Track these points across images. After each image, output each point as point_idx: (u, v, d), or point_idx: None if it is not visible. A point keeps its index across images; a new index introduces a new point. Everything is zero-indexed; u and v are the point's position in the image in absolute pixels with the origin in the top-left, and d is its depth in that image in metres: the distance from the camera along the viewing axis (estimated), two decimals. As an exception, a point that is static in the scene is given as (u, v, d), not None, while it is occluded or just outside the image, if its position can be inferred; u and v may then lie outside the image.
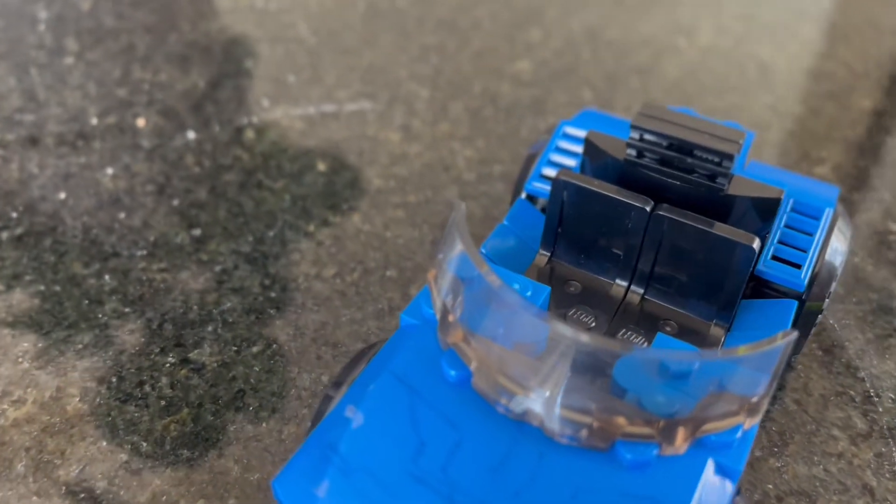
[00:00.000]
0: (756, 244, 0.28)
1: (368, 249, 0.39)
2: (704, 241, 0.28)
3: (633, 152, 0.30)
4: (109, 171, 0.42)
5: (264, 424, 0.31)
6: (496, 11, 0.57)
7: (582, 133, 0.35)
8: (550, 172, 0.34)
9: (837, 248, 0.31)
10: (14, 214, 0.40)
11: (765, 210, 0.29)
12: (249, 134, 0.45)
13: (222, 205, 0.40)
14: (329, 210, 0.41)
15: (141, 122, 0.45)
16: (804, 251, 0.31)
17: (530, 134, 0.46)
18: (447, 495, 0.22)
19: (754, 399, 0.23)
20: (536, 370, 0.24)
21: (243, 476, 0.29)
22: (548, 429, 0.23)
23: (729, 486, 0.23)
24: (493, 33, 0.55)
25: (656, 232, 0.29)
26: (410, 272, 0.38)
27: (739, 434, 0.24)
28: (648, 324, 0.30)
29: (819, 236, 0.31)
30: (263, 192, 0.41)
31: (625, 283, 0.31)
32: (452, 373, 0.24)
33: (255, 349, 0.34)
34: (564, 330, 0.22)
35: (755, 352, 0.23)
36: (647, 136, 0.29)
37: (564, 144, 0.35)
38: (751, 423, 0.24)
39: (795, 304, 0.30)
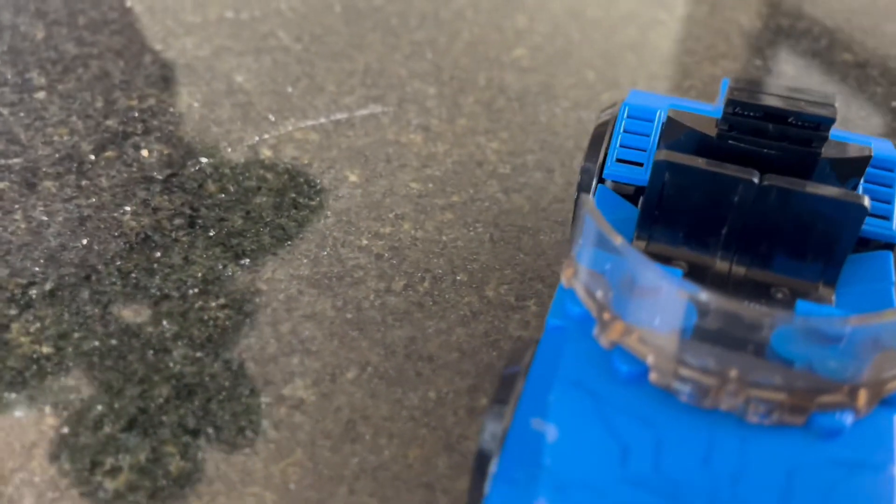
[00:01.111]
0: (867, 202, 0.28)
1: (430, 256, 0.37)
2: (813, 205, 0.29)
3: (724, 126, 0.30)
4: (128, 208, 0.39)
5: (386, 452, 0.30)
6: (473, 4, 0.56)
7: (637, 113, 0.35)
8: (624, 155, 0.34)
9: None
10: (37, 269, 0.36)
11: (855, 169, 0.30)
12: (266, 151, 0.43)
13: (263, 230, 0.38)
14: (376, 221, 0.39)
15: (145, 153, 0.42)
16: (888, 203, 0.32)
17: (550, 120, 0.46)
18: (670, 495, 0.22)
19: None
20: (715, 353, 0.24)
21: (385, 509, 0.28)
22: (740, 411, 0.23)
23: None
24: (479, 22, 0.54)
25: (762, 202, 0.29)
26: (480, 273, 0.37)
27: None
28: (759, 293, 0.30)
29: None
30: (301, 210, 0.39)
31: (729, 258, 0.31)
32: (626, 369, 0.24)
33: (349, 375, 0.32)
34: (744, 308, 0.22)
35: None
36: (742, 110, 0.29)
37: (628, 125, 0.35)
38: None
39: (891, 254, 0.31)
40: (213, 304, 0.35)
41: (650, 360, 0.24)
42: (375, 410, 0.31)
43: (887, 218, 0.31)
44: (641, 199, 0.31)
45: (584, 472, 0.22)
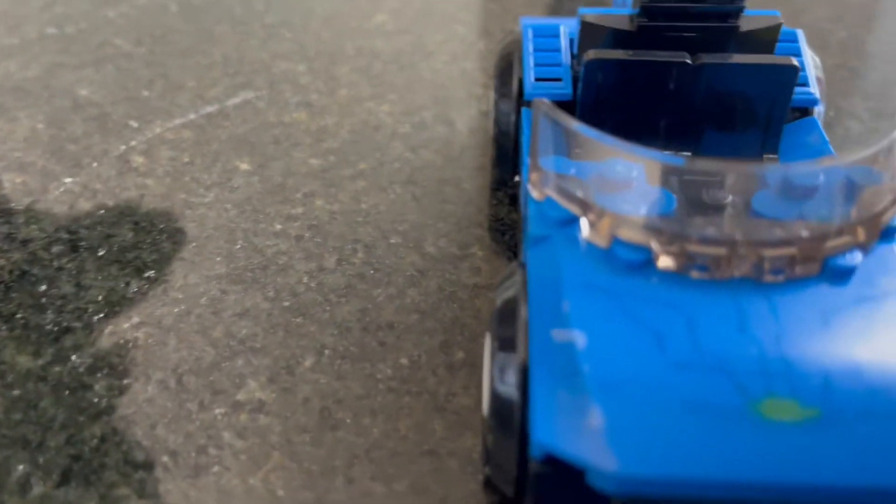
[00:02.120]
0: (796, 62, 0.28)
1: (354, 226, 0.34)
2: (747, 75, 0.29)
3: (643, 18, 0.29)
4: (-10, 247, 0.33)
5: (374, 430, 0.27)
6: (314, -20, 0.54)
7: (541, 32, 0.34)
8: (542, 74, 0.32)
9: (817, 60, 0.33)
10: None
11: (770, 38, 0.30)
12: (138, 158, 0.38)
13: (160, 237, 0.34)
14: (283, 204, 0.35)
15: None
16: (801, 69, 0.32)
17: (434, 76, 0.44)
18: (721, 368, 0.20)
19: None
20: (714, 223, 0.23)
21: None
22: (756, 274, 0.22)
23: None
24: (327, -1, 0.51)
25: (696, 83, 0.29)
26: (413, 232, 0.34)
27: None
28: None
29: (804, 54, 0.33)
30: (197, 209, 0.35)
31: (673, 148, 0.30)
32: (631, 258, 0.22)
33: (307, 363, 0.29)
34: (736, 167, 0.21)
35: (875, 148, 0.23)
36: (659, -5, 0.28)
37: (536, 45, 0.33)
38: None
39: (816, 119, 0.31)
40: (126, 325, 0.30)
41: (653, 245, 0.22)
42: (348, 392, 0.28)
43: (805, 84, 0.31)
44: (578, 105, 0.30)
45: (627, 368, 0.20)
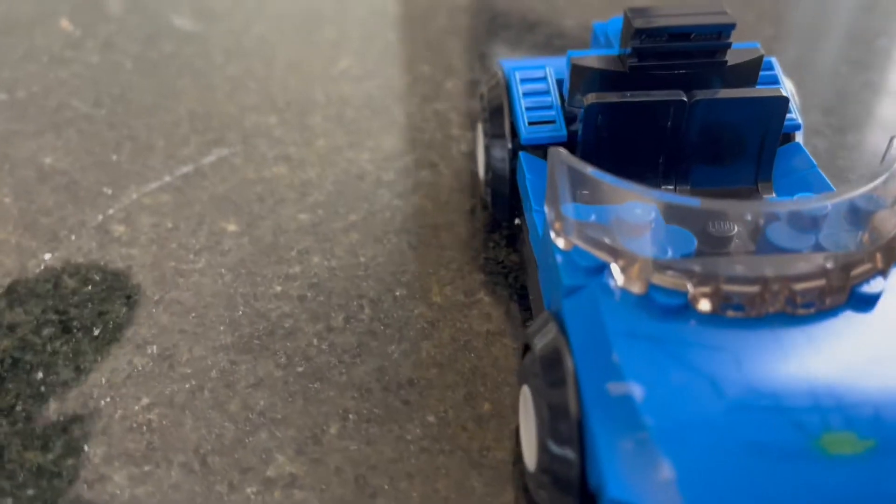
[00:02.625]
0: (786, 93, 0.29)
1: (356, 281, 0.34)
2: (741, 109, 0.29)
3: (634, 58, 0.30)
4: (-26, 336, 0.32)
5: (414, 494, 0.26)
6: (274, 27, 0.53)
7: (528, 75, 0.34)
8: (535, 117, 0.32)
9: (789, 84, 0.34)
10: None
11: (753, 70, 0.31)
12: (118, 227, 0.37)
13: (156, 310, 0.33)
14: (279, 264, 0.35)
15: (-32, 269, 0.35)
16: (784, 97, 0.33)
17: (409, 119, 0.44)
18: (778, 403, 0.20)
19: None
20: (746, 262, 0.23)
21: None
22: (789, 309, 0.23)
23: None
24: (289, 42, 0.51)
25: (693, 119, 0.30)
26: (417, 282, 0.34)
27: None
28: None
29: (781, 81, 0.34)
30: (192, 276, 0.34)
31: (672, 183, 0.31)
32: (670, 304, 0.23)
33: (332, 430, 0.28)
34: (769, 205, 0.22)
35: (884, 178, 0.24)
36: (648, 37, 0.29)
37: (525, 88, 0.33)
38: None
39: (800, 144, 0.32)
40: (137, 406, 0.29)
41: (689, 288, 0.23)
42: (380, 457, 0.27)
43: (788, 111, 0.33)
44: (578, 146, 0.30)
45: (687, 415, 0.20)
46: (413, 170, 0.40)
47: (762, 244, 0.25)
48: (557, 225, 0.25)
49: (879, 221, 0.24)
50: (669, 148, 0.30)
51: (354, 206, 0.38)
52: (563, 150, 0.25)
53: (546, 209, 0.26)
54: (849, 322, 0.23)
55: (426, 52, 0.50)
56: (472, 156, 0.41)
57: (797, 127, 0.32)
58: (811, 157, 0.32)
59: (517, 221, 0.34)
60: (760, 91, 0.29)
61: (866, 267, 0.23)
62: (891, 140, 0.26)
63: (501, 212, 0.35)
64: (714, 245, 0.25)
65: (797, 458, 0.20)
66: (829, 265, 0.23)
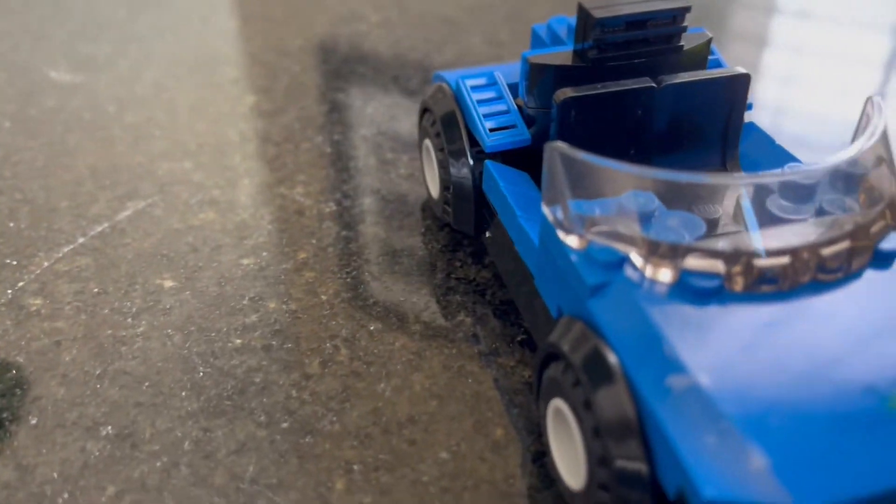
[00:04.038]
0: (746, 71, 0.29)
1: (323, 321, 0.31)
2: (706, 90, 0.29)
3: (594, 50, 0.29)
4: None
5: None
6: (167, 72, 0.49)
7: (477, 83, 0.32)
8: (495, 124, 0.31)
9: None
10: None
11: (703, 53, 0.31)
12: (34, 301, 0.32)
13: (102, 386, 0.28)
14: (232, 315, 0.31)
15: None
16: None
17: (338, 149, 0.41)
18: (844, 374, 0.20)
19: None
20: (771, 235, 0.22)
21: None
22: (819, 276, 0.22)
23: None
24: (185, 84, 0.47)
25: (662, 104, 0.29)
26: (391, 314, 0.31)
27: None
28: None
29: (721, 64, 0.34)
30: (135, 343, 0.30)
31: (646, 172, 0.30)
32: (708, 287, 0.21)
33: (339, 486, 0.25)
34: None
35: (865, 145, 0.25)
36: (609, 27, 0.28)
37: (478, 96, 0.32)
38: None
39: (753, 123, 0.33)
40: (103, 498, 0.25)
41: (722, 269, 0.22)
42: (399, 505, 0.24)
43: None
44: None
45: (763, 397, 0.19)
46: (354, 198, 0.38)
47: (763, 218, 0.24)
48: (567, 223, 0.23)
49: (876, 181, 0.24)
50: (639, 136, 0.29)
51: (301, 244, 0.35)
52: (561, 144, 0.24)
53: (546, 210, 0.24)
54: (875, 281, 0.22)
55: (336, 81, 0.47)
56: (413, 177, 0.39)
57: (749, 106, 0.33)
58: (769, 134, 0.32)
59: (487, 235, 0.32)
60: (724, 71, 0.29)
61: (882, 224, 0.23)
62: (866, 101, 0.26)
63: (466, 227, 0.33)
64: (715, 226, 0.25)
65: (878, 422, 0.19)
66: (850, 226, 0.23)
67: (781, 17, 0.58)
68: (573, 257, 0.23)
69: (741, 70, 0.29)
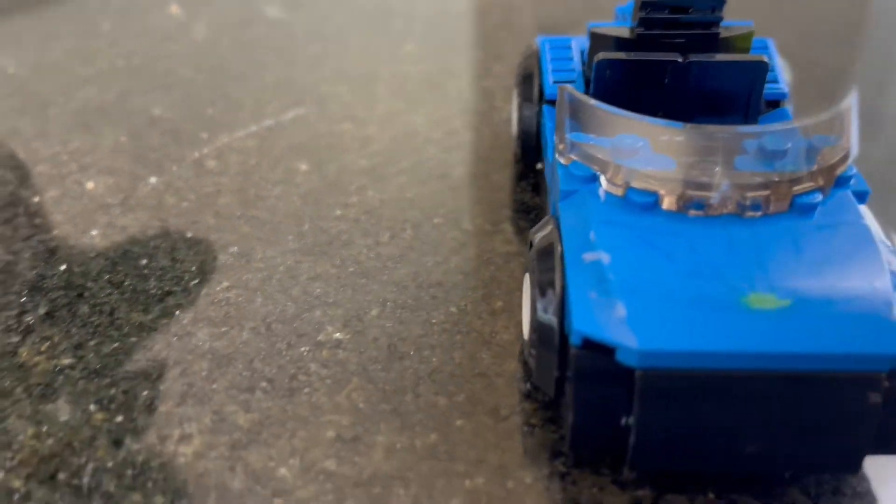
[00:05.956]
0: (766, 59, 0.35)
1: (402, 210, 0.40)
2: (727, 71, 0.35)
3: (640, 28, 0.36)
4: (94, 232, 0.39)
5: (434, 360, 0.32)
6: (350, 18, 0.61)
7: (556, 45, 0.40)
8: (558, 77, 0.39)
9: (787, 67, 0.40)
10: (24, 299, 0.36)
11: (745, 43, 0.37)
12: (211, 163, 0.44)
13: (238, 222, 0.40)
14: (341, 195, 0.42)
15: (90, 186, 0.43)
16: (771, 69, 0.39)
17: (461, 94, 0.51)
18: (716, 275, 0.26)
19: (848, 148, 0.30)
20: (706, 172, 0.29)
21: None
22: (740, 211, 0.28)
23: (864, 207, 0.30)
24: (361, 30, 0.58)
25: (687, 78, 0.35)
26: (452, 214, 0.40)
27: (855, 171, 0.30)
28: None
29: (774, 56, 0.39)
30: (269, 200, 0.41)
31: (669, 135, 0.36)
32: (643, 201, 0.28)
33: (373, 312, 0.35)
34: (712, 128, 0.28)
35: (830, 115, 0.30)
36: (653, 9, 0.35)
37: (552, 55, 0.40)
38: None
39: (787, 109, 0.38)
40: (218, 287, 0.36)
41: (660, 191, 0.29)
42: (409, 332, 0.34)
43: (776, 81, 0.38)
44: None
45: (643, 275, 0.26)
46: (458, 132, 0.47)
47: (730, 168, 0.30)
48: (561, 146, 0.31)
49: (827, 152, 0.30)
50: (666, 105, 0.36)
51: (405, 157, 0.45)
52: (569, 87, 0.31)
53: (555, 138, 0.32)
54: (787, 224, 0.28)
55: (480, 40, 0.57)
56: (509, 121, 0.47)
57: (783, 96, 0.38)
58: (793, 118, 0.37)
59: (539, 166, 0.40)
60: (744, 56, 0.35)
61: (807, 184, 0.29)
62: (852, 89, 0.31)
63: (528, 160, 0.41)
64: (693, 167, 0.31)
65: (725, 308, 0.25)
66: (775, 179, 0.29)
67: None
68: (559, 172, 0.31)
69: (761, 58, 0.35)
